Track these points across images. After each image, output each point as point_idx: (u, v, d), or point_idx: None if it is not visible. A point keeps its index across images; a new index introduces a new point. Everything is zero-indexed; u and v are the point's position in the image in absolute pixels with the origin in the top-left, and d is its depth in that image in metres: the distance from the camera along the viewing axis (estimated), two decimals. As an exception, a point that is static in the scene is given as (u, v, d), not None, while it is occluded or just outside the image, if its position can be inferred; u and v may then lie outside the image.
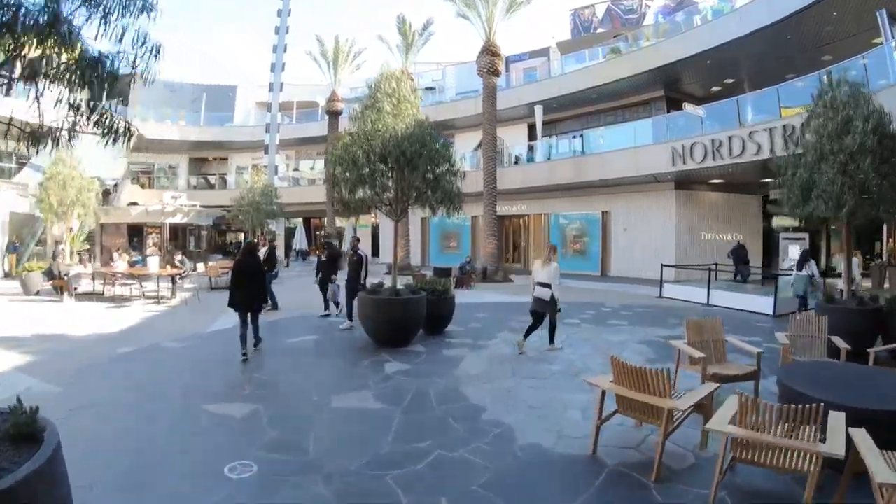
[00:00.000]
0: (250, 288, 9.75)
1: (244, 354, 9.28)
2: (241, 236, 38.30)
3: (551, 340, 10.52)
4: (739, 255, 21.85)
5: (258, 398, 7.19)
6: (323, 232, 32.02)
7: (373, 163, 10.57)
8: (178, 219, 33.95)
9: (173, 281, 17.86)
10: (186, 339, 11.22)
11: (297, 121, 45.14)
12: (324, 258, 15.12)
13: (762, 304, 15.70)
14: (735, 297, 16.88)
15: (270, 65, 34.63)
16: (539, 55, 38.65)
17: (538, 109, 29.77)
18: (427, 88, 39.16)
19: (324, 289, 14.38)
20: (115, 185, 35.95)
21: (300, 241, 33.36)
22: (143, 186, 38.50)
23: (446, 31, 64.61)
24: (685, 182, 24.67)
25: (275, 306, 15.10)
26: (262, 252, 14.95)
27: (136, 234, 34.11)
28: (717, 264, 20.63)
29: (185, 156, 43.86)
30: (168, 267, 19.38)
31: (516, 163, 30.85)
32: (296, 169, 45.18)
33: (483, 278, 23.81)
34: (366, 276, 12.17)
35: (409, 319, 10.75)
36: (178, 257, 20.86)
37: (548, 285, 10.17)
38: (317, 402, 7.11)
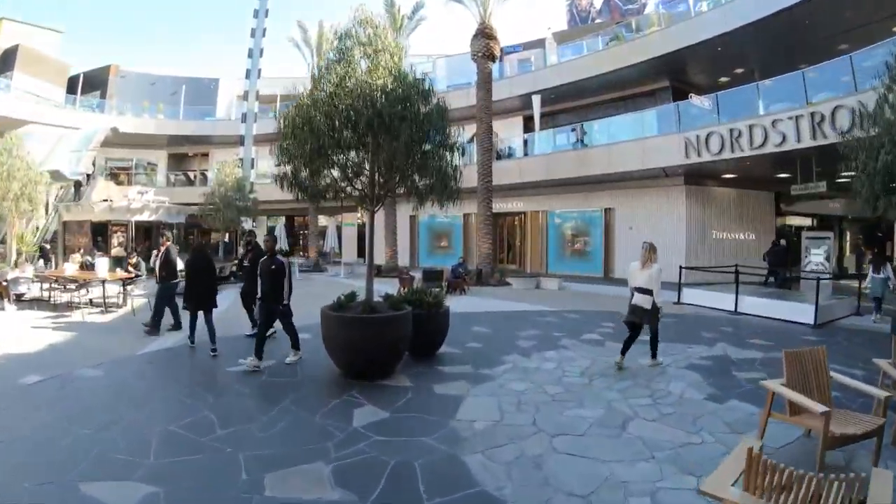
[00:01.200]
0: (199, 288, 9.80)
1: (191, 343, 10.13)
2: (228, 236, 35.98)
3: (654, 355, 9.03)
4: (779, 256, 20.12)
5: (163, 473, 4.91)
6: (248, 227, 29.42)
7: (337, 131, 7.86)
8: (146, 216, 31.61)
9: (124, 286, 15.62)
10: (111, 363, 8.92)
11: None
12: (246, 263, 11.67)
13: (801, 312, 13.58)
14: (768, 304, 14.70)
15: (248, 50, 32.29)
16: (534, 47, 36.48)
17: (536, 99, 27.66)
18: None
19: (247, 302, 11.58)
20: (87, 180, 33.08)
21: (281, 242, 31.22)
22: (119, 183, 35.93)
23: (437, 24, 61.92)
24: (696, 177, 22.82)
25: (176, 325, 11.83)
26: (156, 257, 12.41)
27: (101, 234, 31.64)
28: (737, 266, 18.74)
29: (164, 151, 41.69)
30: (119, 271, 16.94)
31: (510, 157, 28.77)
32: (278, 164, 42.13)
33: (478, 281, 21.73)
34: (290, 291, 9.22)
35: (387, 345, 8.13)
36: (133, 259, 18.43)
37: (649, 291, 8.82)
38: (245, 484, 4.75)
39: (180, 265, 12.58)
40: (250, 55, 28.90)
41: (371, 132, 7.88)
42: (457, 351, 9.99)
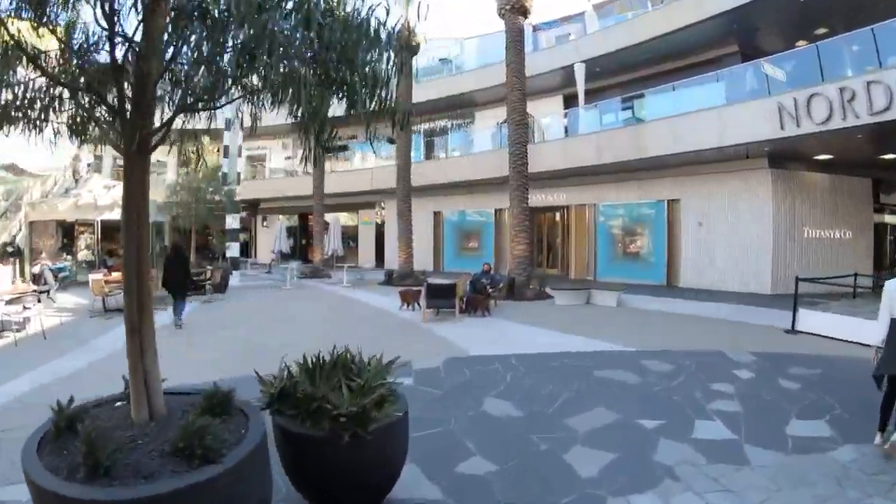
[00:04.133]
0: (177, 277, 12.84)
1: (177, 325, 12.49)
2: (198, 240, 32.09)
3: None
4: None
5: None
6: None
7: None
8: (117, 214, 27.77)
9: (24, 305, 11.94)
10: None
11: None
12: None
13: None
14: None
15: None
16: (573, 21, 31.94)
17: (579, 68, 23.15)
18: (441, 60, 33.72)
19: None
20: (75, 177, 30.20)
21: (280, 241, 27.17)
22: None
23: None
24: (783, 159, 18.19)
25: None
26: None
27: (68, 235, 28.59)
28: (856, 275, 14.36)
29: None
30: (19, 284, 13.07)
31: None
32: (288, 157, 39.48)
33: (509, 294, 17.16)
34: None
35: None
36: (37, 268, 14.46)
37: None
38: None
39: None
40: None
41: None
42: (432, 496, 4.74)
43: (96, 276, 16.02)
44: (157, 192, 29.89)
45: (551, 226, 26.64)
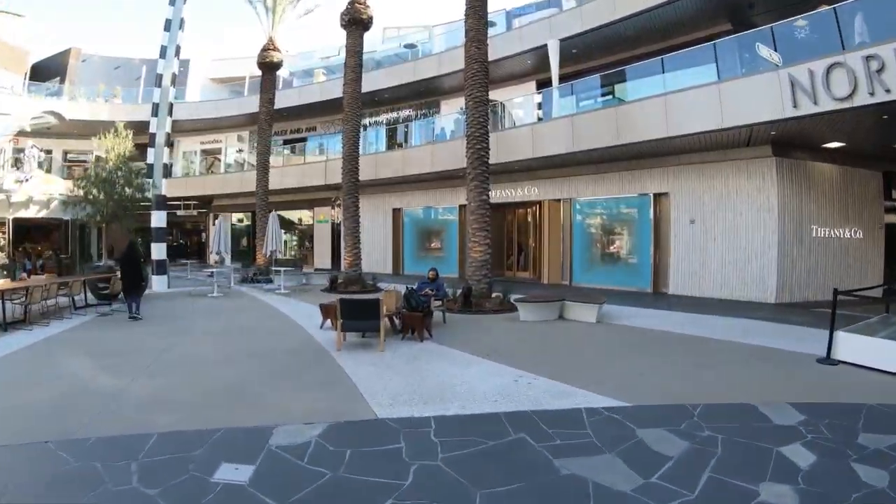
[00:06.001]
0: (130, 276, 14.23)
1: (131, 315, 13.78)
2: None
3: None
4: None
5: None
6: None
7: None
8: (33, 212, 25.28)
9: None
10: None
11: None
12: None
13: None
14: None
15: (165, 21, 24.37)
16: (548, 7, 29.39)
17: (553, 45, 20.57)
18: (407, 46, 31.39)
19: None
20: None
21: (221, 242, 24.20)
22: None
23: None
24: (788, 146, 15.60)
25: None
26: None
27: None
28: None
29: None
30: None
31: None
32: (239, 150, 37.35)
33: (464, 305, 14.19)
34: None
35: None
36: None
37: None
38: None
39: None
40: (167, 27, 22.00)
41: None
42: None
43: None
44: (58, 185, 27.17)
45: (522, 224, 23.69)
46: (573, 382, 7.20)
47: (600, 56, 21.92)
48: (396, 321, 11.38)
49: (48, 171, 31.03)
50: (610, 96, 18.80)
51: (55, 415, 6.26)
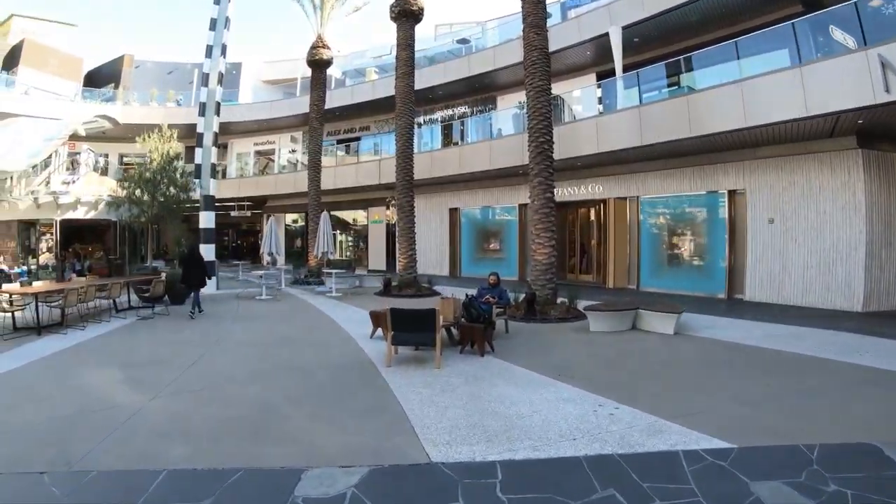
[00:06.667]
0: (194, 273, 15.54)
1: (192, 314, 14.71)
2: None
3: None
4: None
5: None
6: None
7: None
8: (83, 213, 25.49)
9: None
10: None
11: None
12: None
13: None
14: None
15: (210, 21, 23.85)
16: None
17: (615, 32, 19.60)
18: (460, 41, 30.75)
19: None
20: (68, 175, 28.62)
21: (272, 243, 23.68)
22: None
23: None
24: (876, 137, 14.17)
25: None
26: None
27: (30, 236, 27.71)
28: None
29: (181, 144, 35.32)
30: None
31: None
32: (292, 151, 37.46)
33: (528, 312, 13.25)
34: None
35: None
36: None
37: None
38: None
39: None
40: (213, 27, 21.86)
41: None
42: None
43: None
44: (105, 187, 27.22)
45: (584, 224, 22.41)
46: (662, 413, 6.12)
47: (662, 45, 20.76)
48: (454, 332, 10.41)
49: (104, 174, 31.37)
50: (676, 87, 17.63)
51: (58, 438, 5.68)
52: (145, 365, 9.10)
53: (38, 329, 12.02)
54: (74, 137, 29.19)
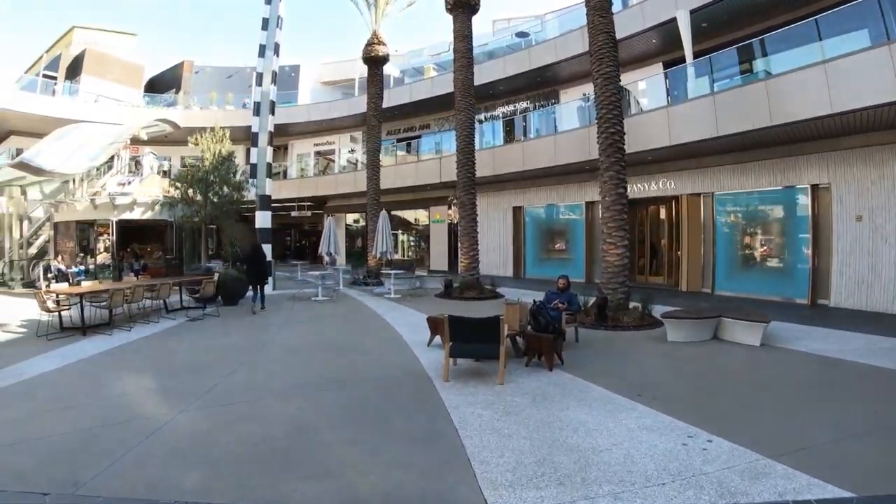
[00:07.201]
0: (257, 271, 16.56)
1: (255, 310, 15.54)
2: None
3: None
4: None
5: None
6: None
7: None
8: (139, 214, 26.06)
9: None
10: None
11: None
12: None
13: None
14: None
15: (262, 20, 23.60)
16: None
17: (683, 15, 18.53)
18: (518, 34, 29.90)
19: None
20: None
21: (330, 243, 23.22)
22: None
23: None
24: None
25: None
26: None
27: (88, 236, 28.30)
28: None
29: (240, 147, 36.14)
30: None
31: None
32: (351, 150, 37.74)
33: (598, 318, 12.50)
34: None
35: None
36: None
37: None
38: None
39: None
40: (265, 26, 21.90)
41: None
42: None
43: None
44: (159, 187, 27.49)
45: (655, 223, 21.32)
46: (762, 448, 5.30)
47: (732, 29, 19.26)
48: (519, 342, 9.70)
49: (166, 176, 32.07)
50: (749, 73, 16.55)
51: (72, 455, 5.37)
52: (182, 372, 8.84)
53: (83, 329, 12.11)
54: (137, 142, 29.85)
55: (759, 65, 16.38)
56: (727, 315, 10.89)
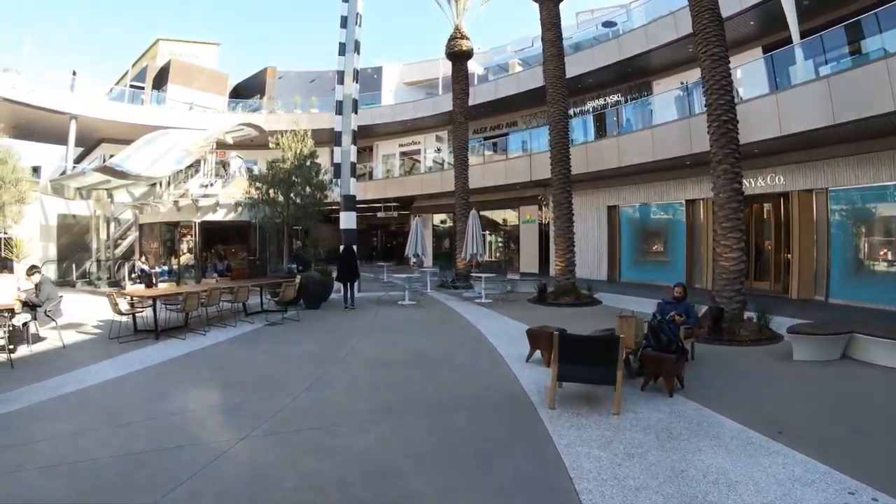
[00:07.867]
0: (348, 270, 17.72)
1: (347, 307, 17.04)
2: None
3: None
4: None
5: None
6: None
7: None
8: (221, 215, 27.18)
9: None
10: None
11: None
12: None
13: None
14: None
15: (341, 18, 23.69)
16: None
17: (786, -8, 16.87)
18: (605, 24, 29.18)
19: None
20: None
21: (417, 244, 22.70)
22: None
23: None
24: None
25: None
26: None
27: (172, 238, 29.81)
28: None
29: (325, 149, 36.08)
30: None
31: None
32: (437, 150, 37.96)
33: (713, 330, 11.61)
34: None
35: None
36: (34, 277, 11.97)
37: None
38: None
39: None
40: (343, 24, 22.00)
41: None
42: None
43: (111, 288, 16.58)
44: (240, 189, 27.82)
45: (760, 222, 20.04)
46: None
47: (837, 5, 17.61)
48: (632, 361, 8.71)
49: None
50: (858, 54, 15.25)
51: (109, 488, 4.92)
52: (251, 386, 8.46)
53: (156, 333, 12.13)
54: (223, 146, 30.56)
55: (873, 43, 14.96)
56: (861, 331, 9.71)
